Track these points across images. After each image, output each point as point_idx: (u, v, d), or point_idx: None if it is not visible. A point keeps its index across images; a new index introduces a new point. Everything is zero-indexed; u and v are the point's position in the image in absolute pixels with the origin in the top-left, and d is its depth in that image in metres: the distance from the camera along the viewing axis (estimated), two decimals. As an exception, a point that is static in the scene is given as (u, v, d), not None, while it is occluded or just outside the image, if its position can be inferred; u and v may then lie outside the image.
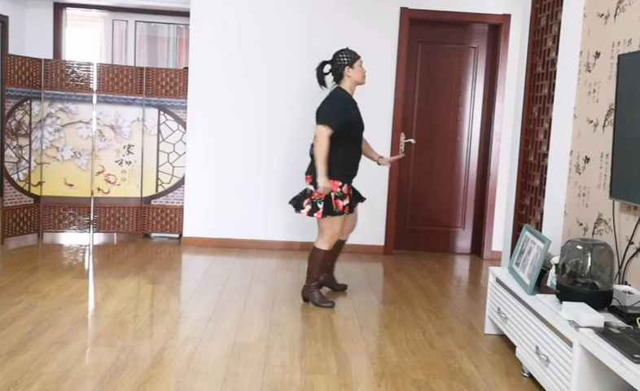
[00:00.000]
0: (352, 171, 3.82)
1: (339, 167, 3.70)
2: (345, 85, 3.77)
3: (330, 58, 3.88)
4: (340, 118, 3.66)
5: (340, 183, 3.71)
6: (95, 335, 3.17)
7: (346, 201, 3.74)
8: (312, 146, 3.80)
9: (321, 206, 3.68)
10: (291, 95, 5.35)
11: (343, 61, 3.74)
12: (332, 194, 3.70)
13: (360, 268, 4.94)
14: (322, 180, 3.63)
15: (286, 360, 2.99)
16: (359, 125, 3.81)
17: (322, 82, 3.85)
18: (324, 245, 3.80)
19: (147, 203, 5.46)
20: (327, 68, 3.84)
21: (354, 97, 3.86)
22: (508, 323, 3.14)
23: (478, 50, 5.51)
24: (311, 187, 3.75)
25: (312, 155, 3.78)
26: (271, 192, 5.42)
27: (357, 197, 3.96)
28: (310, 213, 3.71)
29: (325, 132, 3.60)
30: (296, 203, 3.83)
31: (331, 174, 3.67)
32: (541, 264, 2.93)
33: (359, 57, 3.80)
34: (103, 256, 4.90)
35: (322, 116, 3.67)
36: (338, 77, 3.79)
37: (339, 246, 4.04)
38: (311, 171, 3.76)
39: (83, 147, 5.27)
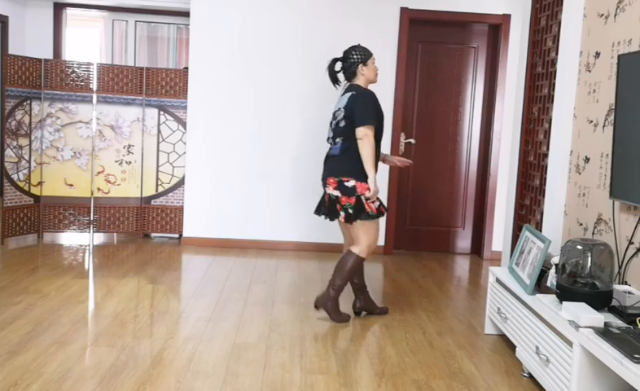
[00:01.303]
0: (376, 171, 3.55)
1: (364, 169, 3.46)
2: (360, 82, 3.57)
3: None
4: (375, 114, 3.49)
5: (367, 185, 3.46)
6: (95, 335, 3.17)
7: (377, 203, 3.49)
8: (331, 147, 3.59)
9: (351, 211, 3.44)
10: (290, 95, 5.35)
11: (356, 59, 3.55)
12: (362, 197, 3.44)
13: (360, 268, 4.93)
14: (372, 182, 3.43)
15: (286, 360, 2.99)
16: (382, 123, 3.62)
17: (335, 81, 3.64)
18: (362, 253, 3.52)
19: (147, 203, 5.46)
20: (339, 65, 3.63)
21: None
22: (508, 323, 3.14)
23: (478, 50, 5.51)
24: (336, 193, 3.48)
25: (328, 158, 3.60)
26: (271, 192, 5.42)
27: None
28: (346, 219, 3.47)
29: (370, 132, 3.42)
30: (328, 211, 3.55)
31: (359, 176, 3.45)
32: (541, 264, 2.93)
33: (372, 54, 3.61)
34: (103, 256, 4.90)
35: (361, 116, 3.44)
36: (351, 75, 3.59)
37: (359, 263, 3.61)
38: (333, 174, 3.51)
39: (83, 147, 5.27)
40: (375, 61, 3.65)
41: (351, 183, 3.45)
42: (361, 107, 3.46)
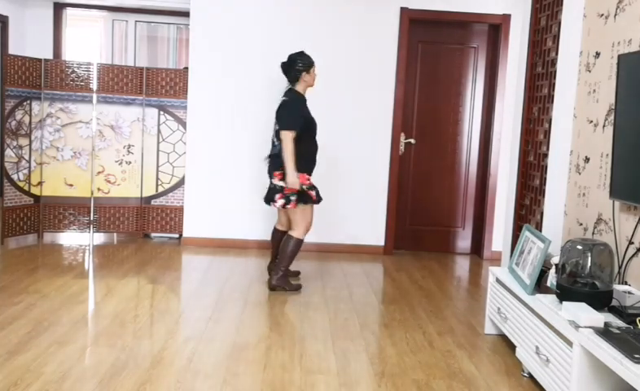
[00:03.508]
0: (314, 163, 4.14)
1: (304, 161, 4.00)
2: (300, 87, 4.06)
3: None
4: (300, 120, 3.96)
5: (307, 175, 4.02)
6: (95, 335, 3.17)
7: (314, 191, 4.06)
8: (273, 146, 4.07)
9: (293, 198, 3.98)
10: (291, 95, 5.34)
11: (301, 67, 4.02)
12: (303, 187, 3.97)
13: (360, 268, 4.94)
14: (292, 176, 3.90)
15: (286, 360, 2.99)
16: (314, 122, 4.10)
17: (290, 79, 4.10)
18: (301, 234, 4.10)
19: (147, 203, 5.46)
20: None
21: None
22: (508, 323, 3.14)
23: (478, 50, 5.51)
24: (282, 183, 3.98)
25: (271, 156, 4.05)
26: (271, 192, 5.41)
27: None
28: (285, 205, 3.99)
29: (290, 135, 3.89)
30: (267, 197, 4.11)
31: (300, 168, 3.93)
32: (541, 264, 2.93)
33: (314, 63, 4.10)
34: (103, 256, 4.90)
35: (285, 121, 3.95)
36: (294, 80, 4.05)
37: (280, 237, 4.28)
38: (279, 168, 3.99)
39: (83, 147, 5.27)
40: (316, 69, 4.13)
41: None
42: (287, 114, 3.98)
